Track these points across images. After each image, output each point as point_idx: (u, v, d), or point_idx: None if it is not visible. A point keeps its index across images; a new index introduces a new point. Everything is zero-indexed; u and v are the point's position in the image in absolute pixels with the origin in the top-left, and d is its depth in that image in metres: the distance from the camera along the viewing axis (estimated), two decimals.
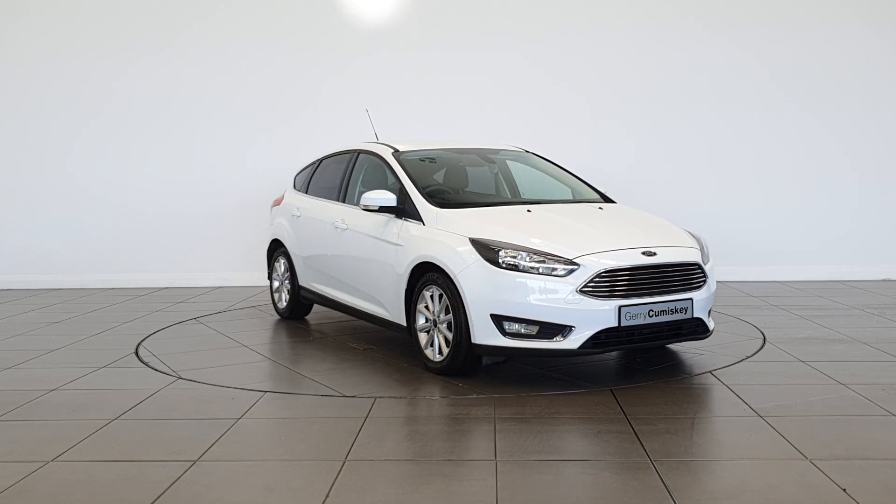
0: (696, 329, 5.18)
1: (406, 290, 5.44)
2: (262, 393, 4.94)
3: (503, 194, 6.51)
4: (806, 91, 9.52)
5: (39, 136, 9.91)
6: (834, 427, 4.15)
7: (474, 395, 4.80)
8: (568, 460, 3.73)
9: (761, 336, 6.30)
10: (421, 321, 5.37)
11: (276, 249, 7.45)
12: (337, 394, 4.90)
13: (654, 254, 4.98)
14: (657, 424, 4.26)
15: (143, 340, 6.58)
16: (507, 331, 4.84)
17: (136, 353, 6.10)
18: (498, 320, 4.84)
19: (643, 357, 5.66)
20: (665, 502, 3.24)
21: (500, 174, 6.63)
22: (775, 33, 9.49)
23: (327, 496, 3.36)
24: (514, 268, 4.82)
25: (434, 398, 4.80)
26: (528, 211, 5.56)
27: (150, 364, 5.75)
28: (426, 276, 5.27)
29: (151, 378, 5.36)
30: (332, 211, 6.55)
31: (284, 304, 7.32)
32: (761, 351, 5.85)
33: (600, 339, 4.79)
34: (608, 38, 9.60)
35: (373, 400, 4.72)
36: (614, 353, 5.70)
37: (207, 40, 9.79)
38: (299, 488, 3.45)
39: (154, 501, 3.34)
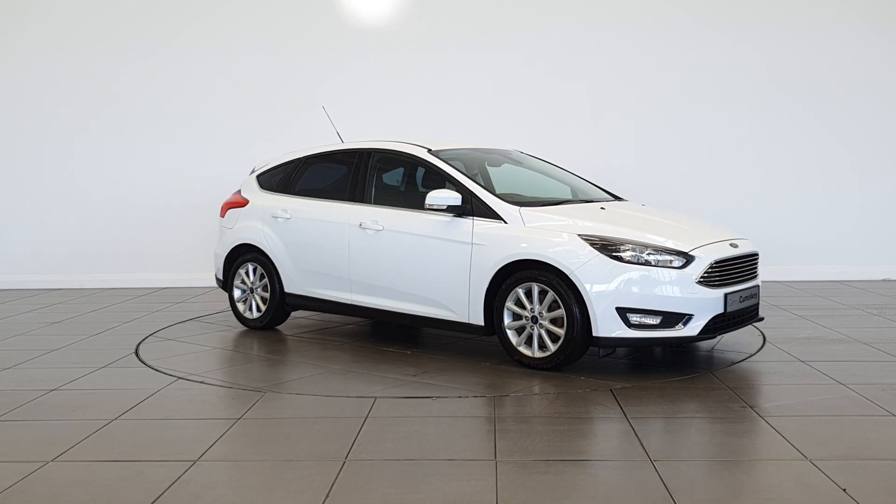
0: (756, 313, 5.67)
1: (487, 289, 5.44)
2: (262, 393, 4.94)
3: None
4: (807, 91, 9.51)
5: (39, 137, 9.91)
6: (834, 427, 4.14)
7: (619, 386, 4.95)
8: (568, 460, 3.73)
9: (761, 336, 6.30)
10: (508, 319, 5.38)
11: (241, 256, 6.93)
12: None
13: (737, 245, 5.49)
14: (657, 424, 4.26)
15: (143, 340, 6.58)
16: (632, 322, 5.03)
17: (136, 353, 6.10)
18: (623, 313, 5.02)
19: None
20: (665, 502, 3.24)
21: (478, 174, 6.59)
22: (778, 33, 9.49)
23: (327, 496, 3.36)
24: (635, 261, 5.06)
25: (587, 391, 4.79)
26: (602, 209, 5.82)
27: (150, 364, 5.75)
28: (519, 273, 5.30)
29: (151, 378, 5.36)
30: (348, 212, 6.24)
31: (258, 313, 6.83)
32: (761, 351, 5.85)
33: (710, 326, 5.14)
34: (610, 38, 9.59)
35: (373, 400, 4.72)
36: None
37: (207, 41, 9.78)
38: (299, 488, 3.45)
39: (154, 501, 3.34)
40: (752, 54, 9.50)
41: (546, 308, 5.22)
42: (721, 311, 5.15)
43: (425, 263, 5.77)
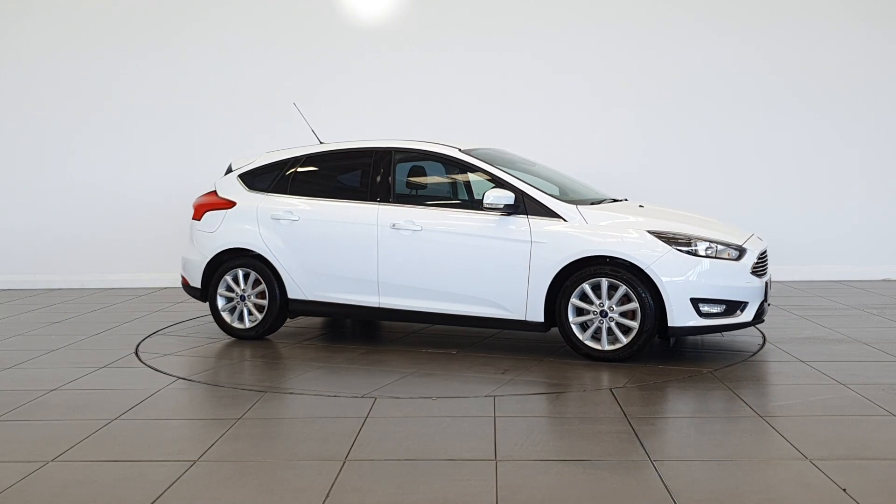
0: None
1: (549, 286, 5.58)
2: (262, 393, 4.94)
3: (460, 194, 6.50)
4: (809, 90, 9.48)
5: (39, 136, 9.91)
6: (834, 427, 4.15)
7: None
8: (568, 460, 3.73)
9: (761, 336, 6.30)
10: (572, 315, 5.54)
11: (227, 261, 6.49)
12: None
13: (762, 239, 6.03)
14: (657, 424, 4.27)
15: (143, 340, 6.58)
16: (703, 311, 5.40)
17: (136, 353, 6.10)
18: (695, 303, 5.38)
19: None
20: (665, 502, 3.24)
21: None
22: (782, 33, 9.47)
23: (327, 496, 3.36)
24: (702, 255, 5.45)
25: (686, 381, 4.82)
26: (641, 206, 6.16)
27: (150, 364, 5.75)
28: (585, 269, 5.49)
29: (151, 378, 5.36)
30: (375, 212, 6.04)
31: (250, 322, 6.41)
32: (761, 351, 5.85)
33: (757, 312, 5.58)
34: (611, 38, 9.58)
35: (373, 400, 4.72)
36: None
37: (206, 41, 9.78)
38: (299, 488, 3.45)
39: (154, 501, 3.34)
40: (754, 54, 9.48)
41: (616, 302, 5.42)
42: (763, 298, 5.61)
43: (475, 263, 5.77)
